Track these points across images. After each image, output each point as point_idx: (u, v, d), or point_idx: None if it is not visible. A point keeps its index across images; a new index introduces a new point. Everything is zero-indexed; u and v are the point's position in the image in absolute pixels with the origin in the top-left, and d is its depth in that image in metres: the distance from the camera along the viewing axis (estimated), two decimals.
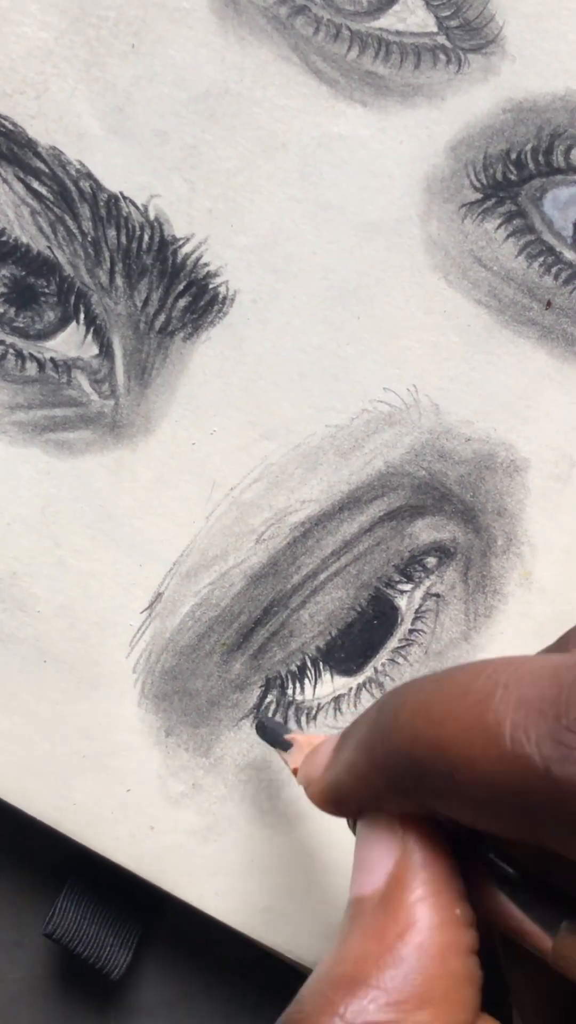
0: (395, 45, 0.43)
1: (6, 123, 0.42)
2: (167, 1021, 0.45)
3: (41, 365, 0.42)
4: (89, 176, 0.42)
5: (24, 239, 0.42)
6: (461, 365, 0.44)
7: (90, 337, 0.42)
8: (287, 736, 0.39)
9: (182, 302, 0.43)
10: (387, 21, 0.43)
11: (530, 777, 0.25)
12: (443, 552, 0.43)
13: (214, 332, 0.43)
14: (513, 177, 0.44)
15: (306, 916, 0.42)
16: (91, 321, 0.42)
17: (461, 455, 0.43)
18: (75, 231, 0.42)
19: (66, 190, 0.42)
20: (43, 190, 0.42)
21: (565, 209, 0.44)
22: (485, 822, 0.27)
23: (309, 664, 0.43)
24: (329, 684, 0.43)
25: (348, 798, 0.32)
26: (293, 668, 0.43)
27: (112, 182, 0.42)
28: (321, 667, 0.43)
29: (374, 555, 0.43)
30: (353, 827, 0.32)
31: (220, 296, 0.43)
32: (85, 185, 0.42)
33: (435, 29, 0.43)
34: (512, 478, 0.44)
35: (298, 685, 0.43)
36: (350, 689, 0.43)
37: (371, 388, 0.43)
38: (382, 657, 0.43)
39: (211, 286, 0.43)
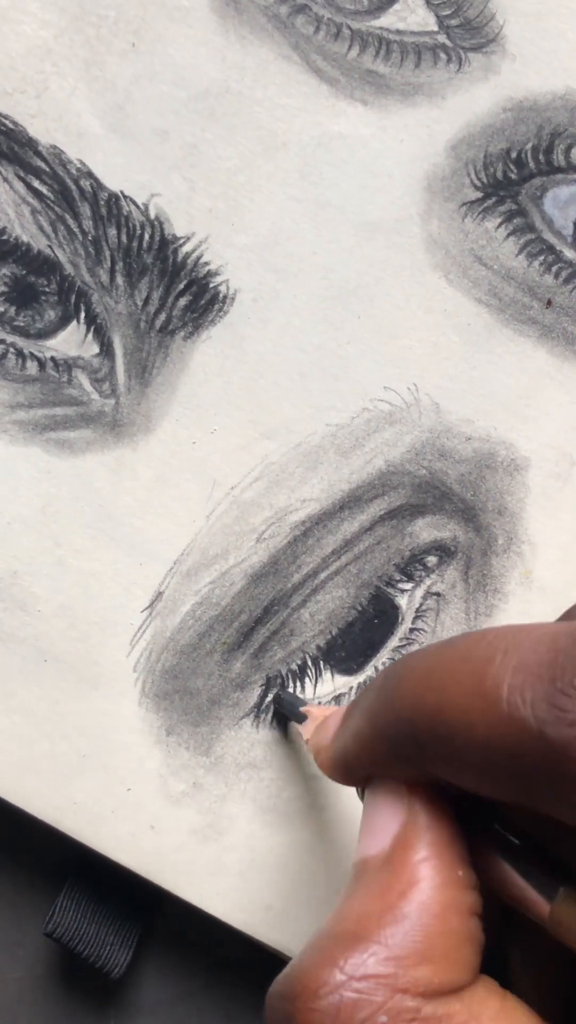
0: (395, 44, 0.43)
1: (6, 122, 0.42)
2: (167, 1020, 0.45)
3: (42, 364, 0.42)
4: (89, 175, 0.42)
5: (25, 238, 0.42)
6: (461, 364, 0.44)
7: (91, 336, 0.42)
8: (303, 708, 0.39)
9: (182, 301, 0.42)
10: (387, 20, 0.43)
11: (525, 739, 0.25)
12: (444, 551, 0.43)
13: (214, 331, 0.43)
14: (513, 176, 0.44)
15: (307, 915, 0.42)
16: (92, 320, 0.42)
17: (461, 454, 0.43)
18: (75, 230, 0.42)
19: (66, 189, 0.42)
20: (43, 189, 0.42)
21: (565, 208, 0.44)
22: (484, 787, 0.27)
23: (310, 663, 0.43)
24: (330, 683, 0.43)
25: (355, 765, 0.32)
26: (294, 667, 0.43)
27: (112, 181, 0.42)
28: (322, 666, 0.43)
29: (375, 554, 0.43)
30: (362, 795, 0.33)
31: (220, 295, 0.43)
32: (85, 184, 0.42)
33: (435, 28, 0.43)
34: (512, 477, 0.44)
35: (299, 684, 0.43)
36: (351, 688, 0.43)
37: (371, 387, 0.43)
38: (383, 656, 0.43)
39: (211, 285, 0.43)
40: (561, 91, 0.44)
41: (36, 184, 0.42)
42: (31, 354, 0.42)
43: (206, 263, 0.43)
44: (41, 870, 0.45)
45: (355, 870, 0.30)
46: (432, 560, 0.43)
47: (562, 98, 0.44)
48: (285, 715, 0.42)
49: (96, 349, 0.42)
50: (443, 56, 0.43)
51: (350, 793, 0.43)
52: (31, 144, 0.42)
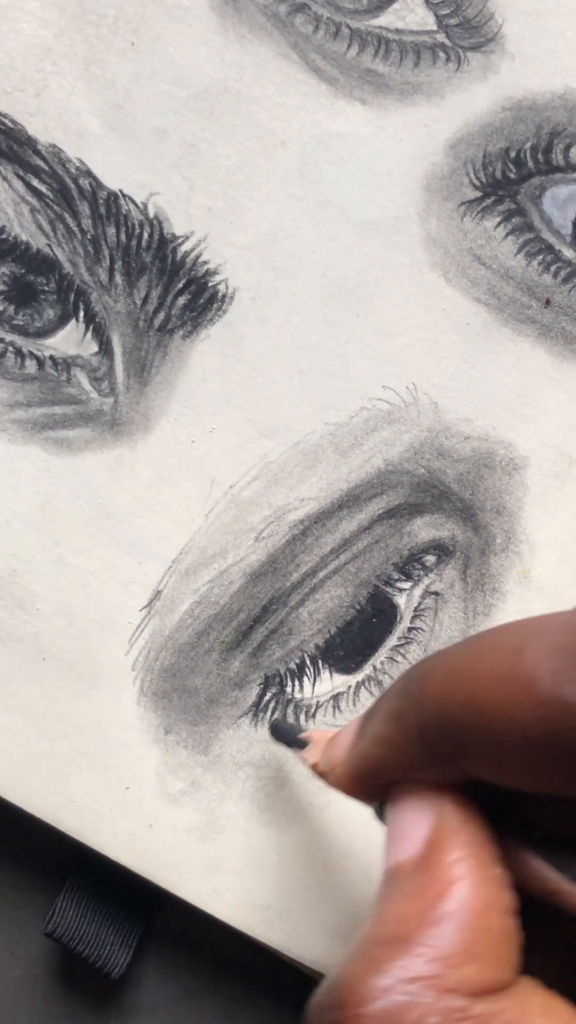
0: (395, 43, 0.43)
1: (5, 120, 0.42)
2: (167, 1020, 0.45)
3: (40, 363, 0.42)
4: (88, 174, 0.42)
5: (24, 237, 0.42)
6: (460, 363, 0.44)
7: (89, 335, 0.42)
8: (302, 735, 0.39)
9: (181, 300, 0.43)
10: (387, 19, 0.43)
11: (569, 720, 0.25)
12: (442, 550, 0.43)
13: (213, 330, 0.43)
14: (512, 175, 0.44)
15: (305, 914, 0.42)
16: (90, 319, 0.42)
17: (460, 453, 0.43)
18: (74, 229, 0.42)
19: (65, 188, 0.42)
20: (42, 188, 0.42)
21: (564, 207, 0.44)
22: (522, 776, 0.27)
23: (308, 662, 0.43)
24: (328, 682, 0.43)
25: (378, 773, 0.32)
26: (292, 666, 0.43)
27: (111, 180, 0.42)
28: (320, 665, 0.43)
29: (373, 553, 0.43)
30: (378, 813, 0.32)
31: (219, 294, 0.43)
32: (84, 183, 0.42)
33: (434, 27, 0.43)
34: (511, 476, 0.44)
35: (297, 683, 0.43)
36: (349, 687, 0.43)
37: (370, 386, 0.43)
38: (381, 655, 0.43)
39: (210, 284, 0.43)
40: (560, 90, 0.44)
41: (35, 183, 0.42)
42: (30, 353, 0.42)
43: (205, 262, 0.43)
44: (41, 870, 0.45)
45: (386, 877, 0.29)
46: (430, 559, 0.43)
47: (561, 97, 0.44)
48: (282, 744, 0.42)
49: (95, 348, 0.42)
50: (442, 55, 0.44)
51: None
52: (30, 143, 0.42)
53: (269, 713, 0.42)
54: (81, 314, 0.42)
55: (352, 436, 0.43)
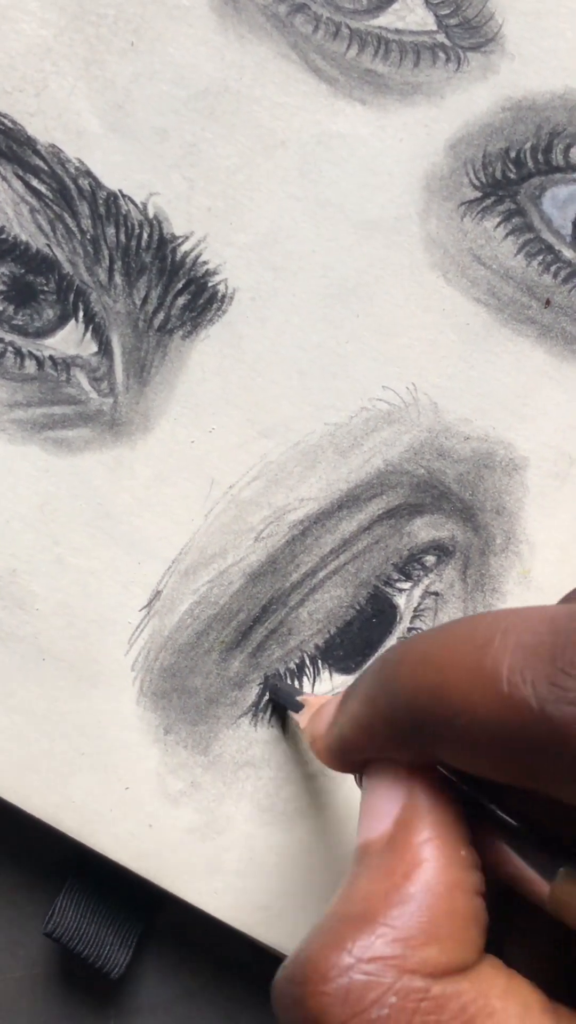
0: (394, 43, 0.43)
1: (5, 120, 0.42)
2: (167, 1020, 0.45)
3: (40, 363, 0.42)
4: (88, 174, 0.42)
5: (23, 237, 0.42)
6: (460, 363, 0.44)
7: (89, 335, 0.42)
8: (299, 697, 0.39)
9: (181, 300, 0.43)
10: (386, 19, 0.43)
11: (527, 719, 0.26)
12: (442, 550, 0.43)
13: (213, 330, 0.43)
14: (512, 175, 0.44)
15: (304, 914, 0.42)
16: (90, 319, 0.42)
17: (460, 453, 0.43)
18: (74, 229, 0.42)
19: (65, 188, 0.42)
20: (42, 188, 0.42)
21: (564, 207, 0.44)
22: (485, 767, 0.27)
23: (308, 662, 0.43)
24: (328, 682, 0.43)
25: (353, 750, 0.32)
26: (292, 666, 0.43)
27: (111, 180, 0.42)
28: (320, 665, 0.43)
29: (373, 553, 0.43)
30: (360, 782, 0.33)
31: (219, 294, 0.43)
32: (84, 183, 0.42)
33: (434, 27, 0.43)
34: (511, 476, 0.44)
35: (297, 683, 0.43)
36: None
37: (370, 386, 0.43)
38: None
39: (210, 284, 0.43)
40: (560, 90, 0.44)
41: (35, 183, 0.42)
42: (29, 353, 0.42)
43: (205, 262, 0.43)
44: (41, 870, 0.45)
45: (357, 854, 0.30)
46: (430, 559, 0.43)
47: (561, 97, 0.44)
48: (281, 704, 0.42)
49: (94, 348, 0.42)
50: (442, 55, 0.44)
51: (348, 792, 0.43)
52: (30, 143, 0.42)
53: (269, 713, 0.42)
54: (81, 314, 0.42)
55: (352, 436, 0.43)
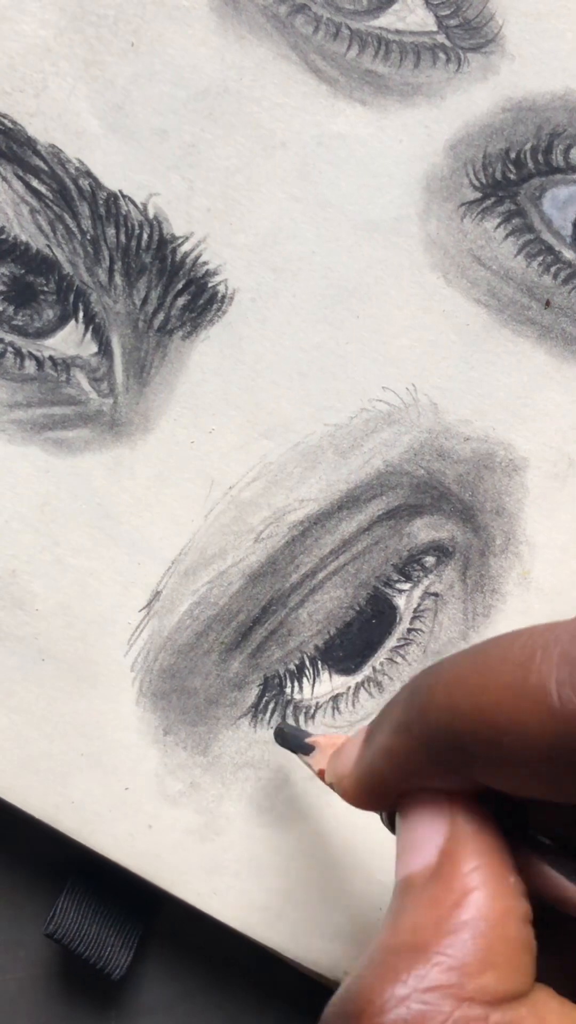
0: (395, 44, 0.43)
1: (5, 121, 0.42)
2: (168, 1021, 0.45)
3: (40, 363, 0.42)
4: (88, 174, 0.42)
5: (23, 237, 0.42)
6: (460, 364, 0.44)
7: (89, 335, 0.42)
8: (308, 740, 0.39)
9: (181, 300, 0.43)
10: (387, 20, 0.43)
11: None
12: (442, 551, 0.43)
13: (213, 331, 0.43)
14: (512, 176, 0.44)
15: (304, 915, 0.42)
16: (90, 319, 0.42)
17: (460, 454, 0.43)
18: (74, 229, 0.42)
19: (65, 188, 0.42)
20: (42, 188, 0.42)
21: (564, 208, 0.44)
22: (536, 787, 0.27)
23: (307, 663, 0.43)
24: (327, 683, 0.43)
25: (386, 784, 0.31)
26: (291, 667, 0.43)
27: (111, 180, 0.42)
28: (319, 666, 0.43)
29: (372, 554, 0.43)
30: (386, 822, 0.32)
31: (219, 295, 0.43)
32: (84, 183, 0.42)
33: (435, 28, 0.43)
34: (511, 477, 0.44)
35: (296, 684, 0.43)
36: (348, 688, 0.43)
37: (370, 387, 0.43)
38: (380, 656, 0.43)
39: (210, 285, 0.43)
40: (560, 91, 0.44)
41: (35, 183, 0.42)
42: (29, 353, 0.42)
43: (204, 263, 0.43)
44: (42, 871, 0.45)
45: (400, 887, 0.29)
46: (430, 560, 0.43)
47: (561, 98, 0.44)
48: (288, 749, 0.41)
49: (94, 348, 0.42)
50: (442, 56, 0.43)
51: None
52: (30, 143, 0.42)
53: (268, 714, 0.42)
54: (80, 315, 0.42)
55: (352, 437, 0.43)
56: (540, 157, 0.44)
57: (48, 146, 0.42)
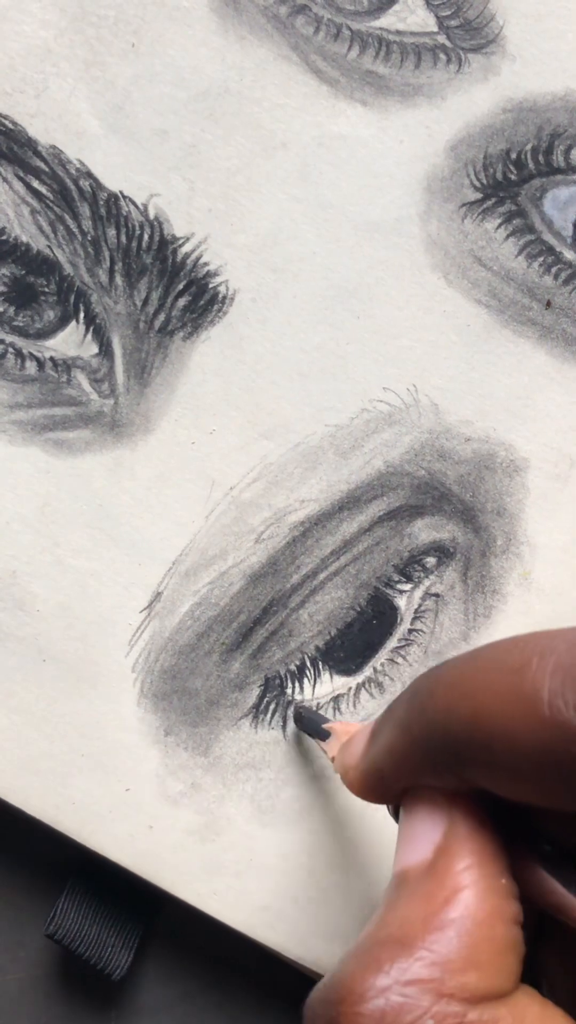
0: (395, 45, 0.43)
1: (6, 122, 0.42)
2: (168, 1021, 0.45)
3: (41, 364, 0.42)
4: (89, 175, 0.42)
5: (24, 238, 0.42)
6: (461, 365, 0.44)
7: (90, 336, 0.42)
8: (325, 725, 0.39)
9: (182, 301, 0.43)
10: (387, 21, 0.43)
11: (570, 743, 0.25)
12: (442, 552, 0.43)
13: (214, 331, 0.43)
14: (513, 177, 0.44)
15: (304, 915, 0.42)
16: (91, 320, 0.42)
17: (460, 455, 0.43)
18: (75, 230, 0.42)
19: (66, 189, 0.42)
20: (43, 189, 0.42)
21: (565, 209, 0.44)
22: (526, 792, 0.27)
23: (308, 663, 0.43)
24: (328, 684, 0.43)
25: (388, 779, 0.32)
26: (292, 667, 0.43)
27: (112, 181, 0.42)
28: (320, 667, 0.43)
29: (373, 555, 0.43)
30: (393, 814, 0.32)
31: (220, 295, 0.43)
32: (85, 184, 0.42)
33: (435, 29, 0.43)
34: (512, 478, 0.44)
35: (297, 684, 0.43)
36: (349, 689, 0.43)
37: (371, 388, 0.43)
38: (381, 657, 0.43)
39: (211, 285, 0.43)
40: (561, 92, 0.44)
41: (35, 184, 0.42)
42: (30, 354, 0.42)
43: (205, 263, 0.43)
44: (43, 872, 0.45)
45: (394, 880, 0.30)
46: (431, 561, 0.43)
47: (562, 99, 0.44)
48: (307, 733, 0.42)
49: (95, 349, 0.42)
50: (443, 57, 0.43)
51: (348, 794, 0.42)
52: (30, 144, 0.42)
53: (269, 715, 0.42)
54: (81, 315, 0.42)
55: (352, 438, 0.43)
56: (541, 158, 0.44)
57: (49, 147, 0.42)
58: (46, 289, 0.42)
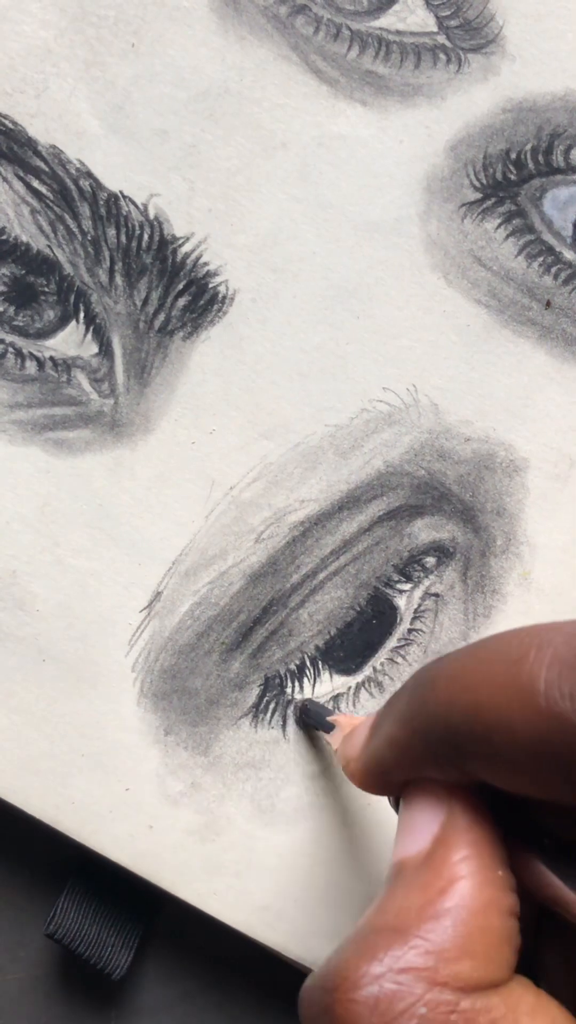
0: (395, 45, 0.43)
1: (6, 122, 0.42)
2: (168, 1021, 0.45)
3: (41, 364, 0.42)
4: (89, 175, 0.42)
5: (24, 238, 0.42)
6: (460, 365, 0.44)
7: (90, 336, 0.42)
8: (330, 718, 0.39)
9: (181, 301, 0.43)
10: (387, 21, 0.43)
11: (567, 734, 0.26)
12: (442, 552, 0.43)
13: (214, 331, 0.43)
14: (513, 177, 0.44)
15: (304, 915, 0.42)
16: (91, 320, 0.42)
17: (460, 455, 0.43)
18: (75, 230, 0.42)
19: (66, 189, 0.42)
20: (43, 189, 0.42)
21: (565, 209, 0.44)
22: (524, 784, 0.27)
23: (308, 663, 0.43)
24: (328, 683, 0.43)
25: (389, 771, 0.32)
26: (292, 667, 0.43)
27: (112, 181, 0.42)
28: (320, 666, 0.43)
29: (373, 555, 0.43)
30: (394, 806, 0.32)
31: (220, 295, 0.43)
32: (85, 184, 0.42)
33: (435, 29, 0.43)
34: (511, 478, 0.44)
35: (297, 684, 0.43)
36: (349, 688, 0.43)
37: (370, 388, 0.43)
38: (381, 657, 0.43)
39: (211, 285, 0.43)
40: (560, 92, 0.44)
41: (35, 184, 0.42)
42: (30, 354, 0.42)
43: (205, 263, 0.43)
44: (43, 871, 0.45)
45: (392, 870, 0.30)
46: (431, 561, 0.43)
47: (562, 99, 0.44)
48: (311, 725, 0.42)
49: (95, 349, 0.42)
50: (443, 57, 0.44)
51: (348, 794, 0.43)
52: (30, 144, 0.42)
53: (269, 715, 0.42)
54: (81, 315, 0.42)
55: (352, 438, 0.43)
56: (540, 158, 0.44)
57: (49, 147, 0.42)
58: (46, 289, 0.42)
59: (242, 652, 0.42)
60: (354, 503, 0.43)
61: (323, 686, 0.43)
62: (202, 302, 0.43)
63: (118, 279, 0.42)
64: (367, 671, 0.43)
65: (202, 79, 0.43)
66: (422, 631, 0.43)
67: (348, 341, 0.43)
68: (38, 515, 0.42)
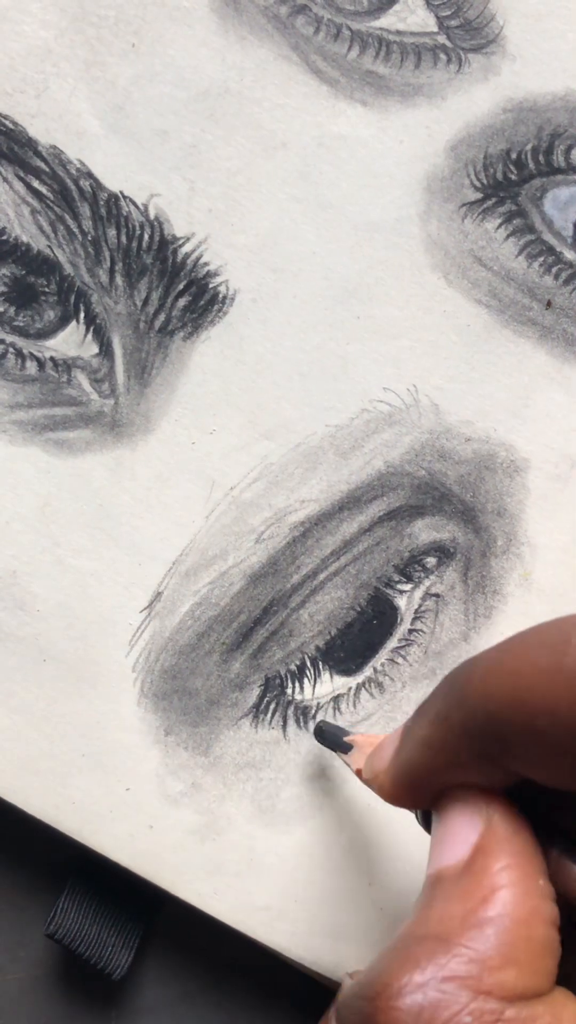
0: (395, 45, 0.43)
1: (6, 122, 0.42)
2: (168, 1021, 0.45)
3: (41, 364, 0.42)
4: (89, 175, 0.42)
5: (24, 238, 0.42)
6: (461, 365, 0.44)
7: (90, 336, 0.42)
8: (347, 738, 0.39)
9: (182, 301, 0.43)
10: (387, 21, 0.43)
11: None
12: (443, 552, 0.43)
13: (214, 331, 0.43)
14: (513, 177, 0.44)
15: (305, 915, 0.42)
16: (91, 320, 0.42)
17: (461, 455, 0.43)
18: (75, 230, 0.42)
19: (66, 189, 0.42)
20: (43, 189, 0.42)
21: (565, 209, 0.44)
22: (565, 771, 0.27)
23: (308, 663, 0.43)
24: (328, 684, 0.43)
25: (423, 779, 0.32)
26: (292, 667, 0.43)
27: (112, 181, 0.42)
28: (320, 667, 0.43)
29: (373, 555, 0.43)
30: (421, 820, 0.32)
31: (220, 295, 0.43)
32: (85, 184, 0.42)
33: (435, 29, 0.43)
34: (512, 478, 0.44)
35: (297, 684, 0.43)
36: (349, 689, 0.43)
37: (371, 388, 0.43)
38: (381, 657, 0.43)
39: (211, 285, 0.43)
40: (561, 92, 0.44)
41: (36, 184, 0.42)
42: (30, 354, 0.42)
43: (205, 263, 0.43)
44: (43, 871, 0.45)
45: (430, 880, 0.30)
46: (431, 561, 0.43)
47: (562, 99, 0.44)
48: (326, 747, 0.42)
49: (95, 349, 0.42)
50: (443, 57, 0.43)
51: (348, 794, 0.43)
52: (31, 144, 0.42)
53: (269, 715, 0.42)
54: (82, 315, 0.42)
55: (353, 438, 0.43)
56: (541, 158, 0.44)
57: (49, 147, 0.42)
58: (46, 289, 0.42)
59: (243, 652, 0.42)
60: (355, 503, 0.43)
61: (323, 687, 0.43)
62: (202, 302, 0.43)
63: (118, 279, 0.42)
64: (368, 671, 0.43)
65: (202, 79, 0.43)
66: (423, 631, 0.43)
67: (348, 341, 0.43)
68: (38, 515, 0.42)
